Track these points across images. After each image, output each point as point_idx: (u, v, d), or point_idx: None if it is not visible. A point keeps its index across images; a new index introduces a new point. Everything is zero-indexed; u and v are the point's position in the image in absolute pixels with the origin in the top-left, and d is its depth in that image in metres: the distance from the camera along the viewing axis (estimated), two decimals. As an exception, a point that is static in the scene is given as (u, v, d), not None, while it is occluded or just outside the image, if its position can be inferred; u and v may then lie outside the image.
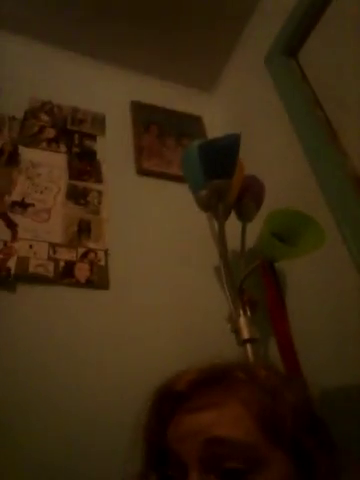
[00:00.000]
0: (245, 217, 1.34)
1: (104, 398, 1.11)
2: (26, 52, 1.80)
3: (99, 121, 1.77)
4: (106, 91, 1.88)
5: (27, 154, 1.50)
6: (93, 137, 1.70)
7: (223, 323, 1.11)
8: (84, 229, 1.41)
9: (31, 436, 1.00)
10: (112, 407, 1.09)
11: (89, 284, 1.29)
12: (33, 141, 1.56)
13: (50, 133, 1.62)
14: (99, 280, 1.31)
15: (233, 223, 1.32)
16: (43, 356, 1.12)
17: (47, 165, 1.51)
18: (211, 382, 0.54)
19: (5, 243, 1.25)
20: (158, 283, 1.39)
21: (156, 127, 1.88)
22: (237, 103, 1.97)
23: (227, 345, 1.03)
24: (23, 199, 1.39)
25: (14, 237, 1.28)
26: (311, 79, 1.57)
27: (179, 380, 0.55)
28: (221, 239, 1.22)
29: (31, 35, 1.84)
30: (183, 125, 1.96)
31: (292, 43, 1.62)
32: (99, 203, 1.50)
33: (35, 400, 1.05)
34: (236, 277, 1.19)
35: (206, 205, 1.27)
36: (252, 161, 1.43)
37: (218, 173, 1.22)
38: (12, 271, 1.20)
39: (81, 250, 1.34)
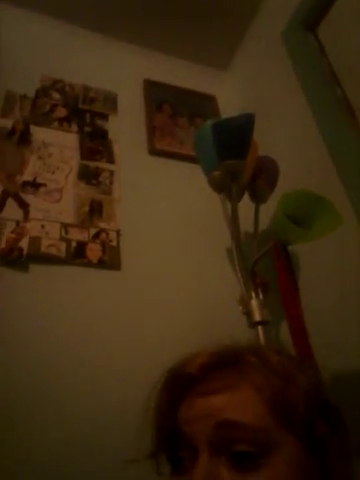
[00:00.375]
0: (259, 198, 1.31)
1: (114, 378, 1.12)
2: (37, 29, 1.77)
3: (111, 100, 1.74)
4: (118, 69, 1.85)
5: (39, 133, 1.49)
6: (105, 116, 1.68)
7: (235, 305, 1.10)
8: (96, 209, 1.40)
9: (42, 414, 1.02)
10: (122, 387, 1.10)
11: (101, 264, 1.29)
12: (45, 120, 1.55)
13: (62, 112, 1.61)
14: (111, 260, 1.31)
15: (246, 204, 1.30)
16: (55, 335, 1.14)
17: (59, 145, 1.50)
18: (222, 366, 0.53)
19: (17, 223, 1.26)
20: (169, 264, 1.39)
21: (169, 106, 1.85)
22: (252, 81, 1.92)
23: (238, 327, 1.03)
24: (35, 179, 1.38)
25: (26, 217, 1.28)
26: (330, 55, 1.51)
27: (190, 363, 0.55)
28: (234, 221, 1.20)
29: (43, 12, 1.81)
30: (196, 104, 1.92)
31: (311, 16, 1.56)
32: (111, 183, 1.49)
33: (46, 378, 1.06)
34: (248, 259, 1.18)
35: (219, 186, 1.25)
36: (267, 141, 1.40)
37: (232, 153, 1.19)
38: (24, 251, 1.21)
39: (93, 230, 1.34)
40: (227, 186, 1.23)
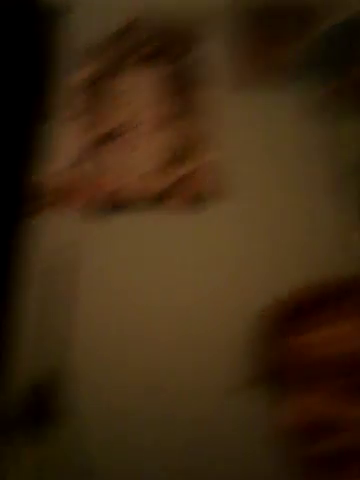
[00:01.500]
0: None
1: (206, 322, 1.07)
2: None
3: (194, 35, 1.58)
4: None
5: (117, 80, 1.43)
6: (190, 51, 1.54)
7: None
8: (178, 154, 1.31)
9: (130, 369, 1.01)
10: (208, 332, 1.05)
11: (185, 208, 1.22)
12: (124, 66, 1.48)
13: (142, 54, 1.51)
14: (195, 203, 1.23)
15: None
16: (141, 284, 1.13)
17: (137, 90, 1.42)
18: (331, 300, 0.58)
19: (96, 174, 1.24)
20: (265, 200, 1.25)
21: (263, 30, 1.62)
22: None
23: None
24: (115, 128, 1.34)
25: (105, 167, 1.26)
26: None
27: (297, 297, 0.62)
28: (337, 147, 1.01)
29: None
30: (293, 23, 1.65)
31: None
32: (196, 123, 1.36)
33: (133, 330, 1.06)
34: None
35: (322, 107, 1.06)
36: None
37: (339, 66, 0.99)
38: (107, 201, 1.20)
39: (175, 175, 1.26)
40: (331, 107, 1.03)
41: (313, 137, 1.13)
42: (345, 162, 1.04)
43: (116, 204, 1.20)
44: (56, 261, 1.12)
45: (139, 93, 1.41)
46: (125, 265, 1.15)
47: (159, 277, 1.14)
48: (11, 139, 1.24)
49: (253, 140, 1.35)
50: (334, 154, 1.04)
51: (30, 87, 1.36)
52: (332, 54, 1.08)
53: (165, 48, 1.53)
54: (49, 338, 1.04)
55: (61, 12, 1.50)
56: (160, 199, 1.23)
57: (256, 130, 1.37)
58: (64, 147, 1.29)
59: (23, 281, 1.12)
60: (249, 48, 1.56)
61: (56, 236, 1.17)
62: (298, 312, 0.60)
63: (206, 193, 1.24)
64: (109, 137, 1.32)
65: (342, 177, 1.01)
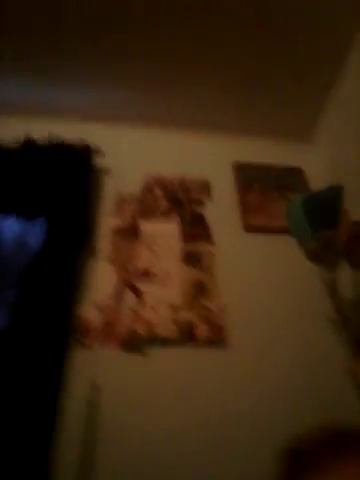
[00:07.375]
0: (358, 266, 1.32)
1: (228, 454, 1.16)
2: (138, 137, 2.07)
3: (205, 186, 1.92)
4: (208, 157, 2.04)
5: (146, 226, 1.70)
6: (201, 202, 1.85)
7: (344, 376, 1.09)
8: (200, 290, 1.52)
9: None
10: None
11: (209, 344, 1.38)
12: (150, 214, 1.77)
13: (164, 204, 1.82)
14: (218, 339, 1.39)
15: (347, 272, 1.31)
16: (174, 414, 1.24)
17: (164, 235, 1.69)
18: (336, 446, 0.56)
19: (133, 310, 1.42)
20: (274, 338, 1.43)
21: (258, 184, 1.97)
22: (338, 150, 1.96)
23: (349, 398, 1.01)
24: (146, 268, 1.57)
25: (140, 303, 1.45)
26: None
27: (308, 441, 0.58)
28: (334, 292, 1.22)
29: (142, 124, 2.10)
30: (285, 179, 2.01)
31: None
32: (212, 264, 1.61)
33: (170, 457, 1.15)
34: (355, 328, 1.17)
35: (315, 257, 1.29)
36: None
37: (324, 225, 1.25)
38: (141, 335, 1.37)
39: (199, 310, 1.45)
40: (323, 256, 1.26)
41: (314, 277, 1.35)
42: (349, 301, 1.23)
43: (150, 339, 1.36)
44: (95, 394, 1.24)
45: (166, 236, 1.68)
46: (161, 394, 1.27)
47: (189, 404, 1.26)
48: (63, 274, 1.43)
49: (261, 279, 1.60)
50: (334, 297, 1.23)
51: (79, 228, 1.61)
52: (319, 213, 1.31)
53: (183, 200, 1.85)
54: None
55: (104, 171, 1.85)
56: (189, 332, 1.39)
57: (264, 269, 1.62)
58: (102, 283, 1.50)
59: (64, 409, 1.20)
60: (250, 199, 1.89)
61: (95, 369, 1.28)
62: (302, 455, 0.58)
63: (225, 330, 1.41)
64: (143, 274, 1.55)
65: (343, 318, 1.20)
